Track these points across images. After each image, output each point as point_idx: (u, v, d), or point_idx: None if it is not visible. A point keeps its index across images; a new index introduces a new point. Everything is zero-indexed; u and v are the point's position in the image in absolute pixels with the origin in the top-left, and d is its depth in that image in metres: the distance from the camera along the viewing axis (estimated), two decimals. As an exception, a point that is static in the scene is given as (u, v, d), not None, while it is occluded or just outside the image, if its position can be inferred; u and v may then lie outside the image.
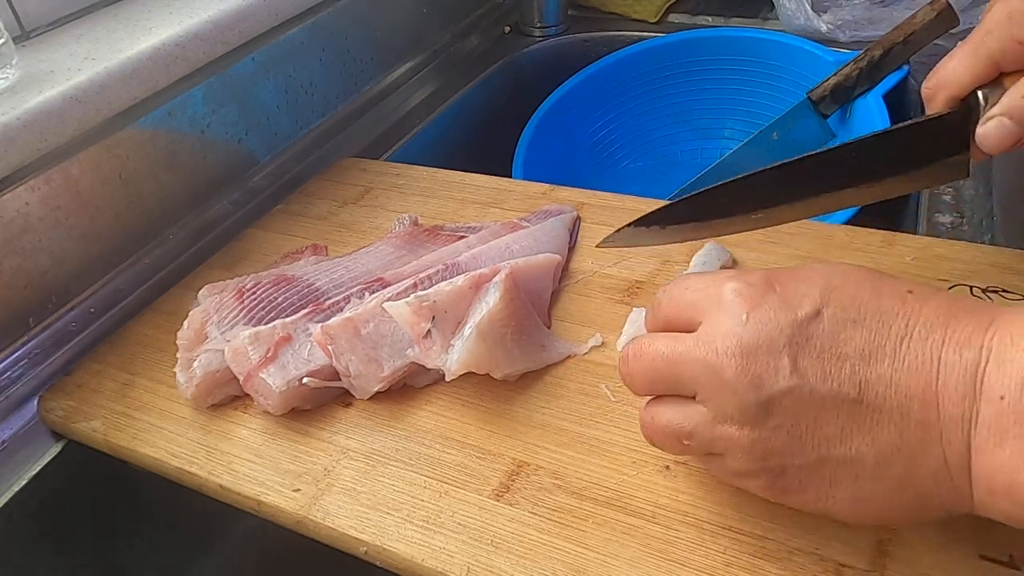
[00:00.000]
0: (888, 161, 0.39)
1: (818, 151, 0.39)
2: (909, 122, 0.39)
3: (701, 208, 0.42)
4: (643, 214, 0.42)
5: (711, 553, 0.34)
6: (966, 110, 0.38)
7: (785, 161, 0.40)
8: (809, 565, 0.33)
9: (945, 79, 0.39)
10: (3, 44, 0.54)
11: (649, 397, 0.34)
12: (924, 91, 0.40)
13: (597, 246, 0.46)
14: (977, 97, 0.38)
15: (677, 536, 0.35)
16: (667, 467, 0.38)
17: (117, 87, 0.56)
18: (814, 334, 0.29)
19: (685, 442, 0.32)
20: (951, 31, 0.69)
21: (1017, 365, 0.26)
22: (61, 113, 0.53)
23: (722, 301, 0.31)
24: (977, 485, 0.27)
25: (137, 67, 0.57)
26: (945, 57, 0.39)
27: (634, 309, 0.47)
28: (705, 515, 0.36)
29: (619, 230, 0.43)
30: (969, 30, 0.39)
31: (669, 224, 0.42)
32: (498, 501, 0.38)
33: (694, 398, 0.32)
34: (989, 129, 0.36)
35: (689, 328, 0.32)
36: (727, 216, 0.42)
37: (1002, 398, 0.26)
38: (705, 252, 0.49)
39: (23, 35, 0.60)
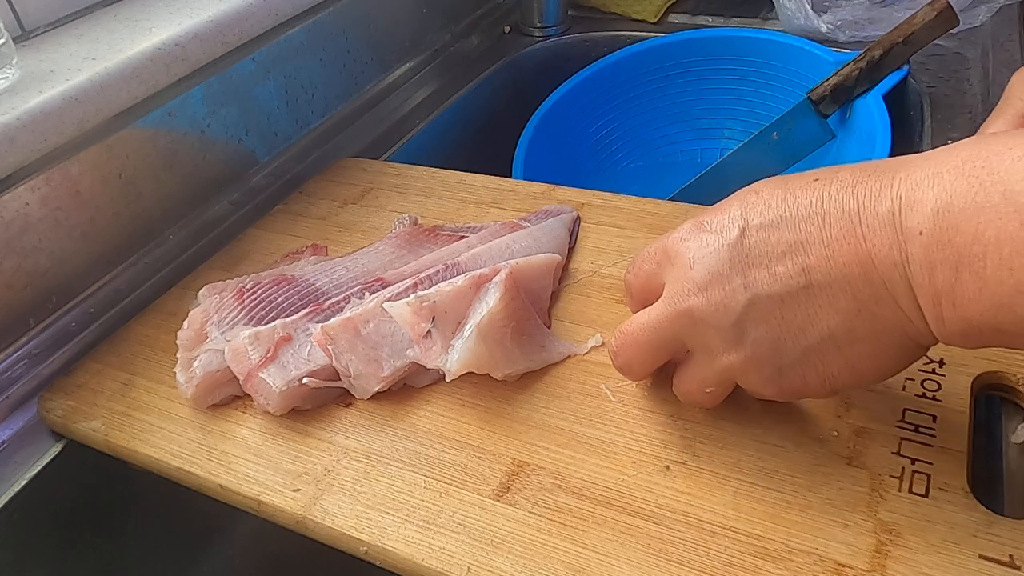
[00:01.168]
0: None
1: None
2: None
3: None
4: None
5: (711, 553, 0.34)
6: None
7: None
8: (809, 565, 0.33)
9: None
10: (3, 44, 0.54)
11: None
12: None
13: None
14: None
15: (677, 536, 0.35)
16: (667, 467, 0.38)
17: (117, 87, 0.56)
18: (749, 249, 0.32)
19: (708, 390, 0.36)
20: (951, 31, 0.69)
21: (926, 203, 0.28)
22: (61, 113, 0.53)
23: (670, 258, 0.35)
24: (929, 319, 0.30)
25: (137, 67, 0.57)
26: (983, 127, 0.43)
27: None
28: (705, 515, 0.36)
29: None
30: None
31: None
32: (498, 501, 0.38)
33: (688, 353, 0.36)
34: None
35: (659, 294, 0.36)
36: None
37: (921, 233, 0.28)
38: None
39: (23, 35, 0.60)
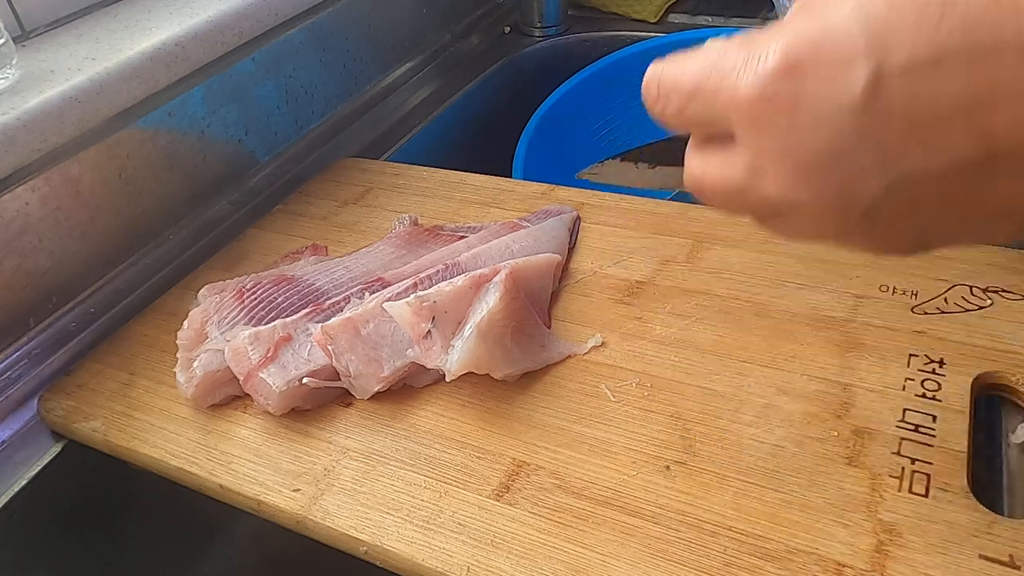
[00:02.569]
0: None
1: None
2: None
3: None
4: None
5: (711, 553, 0.34)
6: None
7: None
8: (809, 565, 0.33)
9: None
10: (3, 44, 0.54)
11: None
12: None
13: (578, 175, 0.44)
14: None
15: (677, 536, 0.35)
16: (667, 467, 0.38)
17: (117, 87, 0.56)
18: (889, 109, 0.20)
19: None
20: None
21: None
22: (61, 113, 0.53)
23: (749, 118, 0.23)
24: None
25: (137, 67, 0.57)
26: None
27: None
28: (705, 515, 0.36)
29: (603, 162, 0.36)
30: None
31: (659, 164, 0.36)
32: (498, 501, 0.38)
33: None
34: None
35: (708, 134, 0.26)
36: None
37: None
38: None
39: (23, 35, 0.60)
